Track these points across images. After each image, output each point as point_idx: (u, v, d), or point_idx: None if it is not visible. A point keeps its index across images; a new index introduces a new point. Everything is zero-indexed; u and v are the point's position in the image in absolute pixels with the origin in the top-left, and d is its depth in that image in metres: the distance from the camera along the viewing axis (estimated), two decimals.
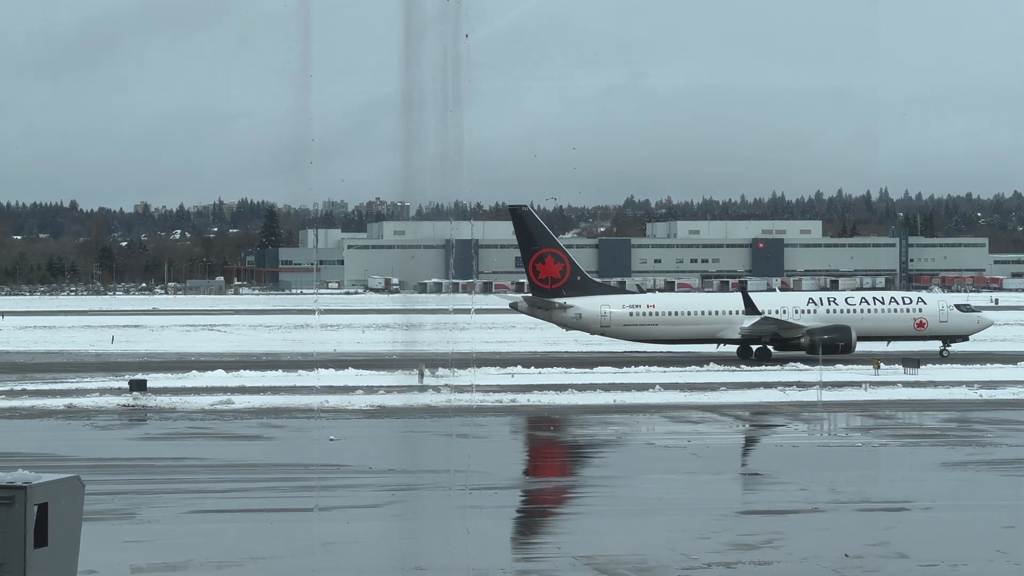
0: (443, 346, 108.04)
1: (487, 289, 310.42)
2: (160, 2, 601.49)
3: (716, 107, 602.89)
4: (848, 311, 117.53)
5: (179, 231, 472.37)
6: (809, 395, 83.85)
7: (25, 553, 27.75)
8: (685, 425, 71.34)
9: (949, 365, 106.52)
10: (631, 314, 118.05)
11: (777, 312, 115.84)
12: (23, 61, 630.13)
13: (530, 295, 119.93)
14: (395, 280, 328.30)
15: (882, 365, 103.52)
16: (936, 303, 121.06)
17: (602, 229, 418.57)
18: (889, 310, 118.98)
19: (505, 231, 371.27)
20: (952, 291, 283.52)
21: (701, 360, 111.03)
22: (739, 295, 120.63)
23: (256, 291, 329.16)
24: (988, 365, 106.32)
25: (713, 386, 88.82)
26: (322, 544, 41.84)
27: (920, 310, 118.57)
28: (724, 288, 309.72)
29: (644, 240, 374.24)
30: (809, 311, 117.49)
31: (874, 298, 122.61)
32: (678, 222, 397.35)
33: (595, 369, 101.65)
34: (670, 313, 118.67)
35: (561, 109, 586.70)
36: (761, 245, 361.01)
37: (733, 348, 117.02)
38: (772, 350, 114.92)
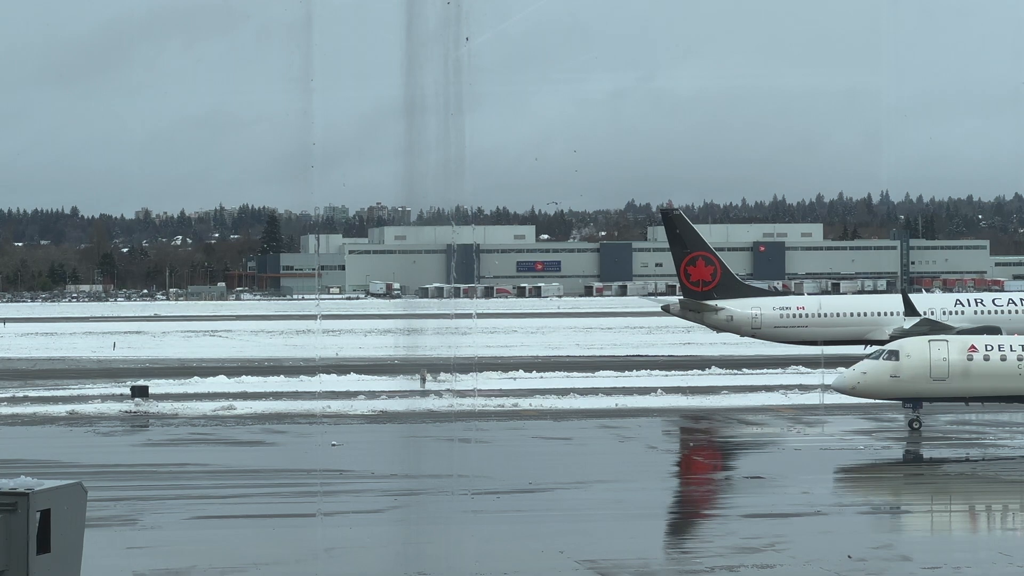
0: (445, 351, 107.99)
1: (488, 294, 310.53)
2: (165, 10, 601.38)
3: (718, 110, 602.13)
4: (996, 312, 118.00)
5: (180, 237, 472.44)
6: (811, 398, 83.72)
7: (28, 559, 27.74)
8: (687, 429, 71.40)
9: None
10: (781, 316, 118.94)
11: (925, 313, 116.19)
12: (25, 69, 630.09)
13: (683, 298, 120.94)
14: (396, 285, 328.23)
15: None
16: None
17: (603, 233, 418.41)
18: None
19: (506, 236, 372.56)
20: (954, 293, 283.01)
21: (703, 364, 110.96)
22: (886, 297, 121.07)
23: (257, 297, 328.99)
24: None
25: (715, 389, 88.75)
26: (325, 549, 41.85)
27: None
28: None
29: (645, 244, 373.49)
30: (957, 312, 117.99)
31: (1021, 299, 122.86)
32: None
33: (597, 373, 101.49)
34: (819, 315, 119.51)
35: (568, 113, 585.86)
36: (762, 248, 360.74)
37: None
38: None
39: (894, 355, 66.31)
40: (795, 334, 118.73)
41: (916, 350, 66.53)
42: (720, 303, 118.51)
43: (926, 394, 66.29)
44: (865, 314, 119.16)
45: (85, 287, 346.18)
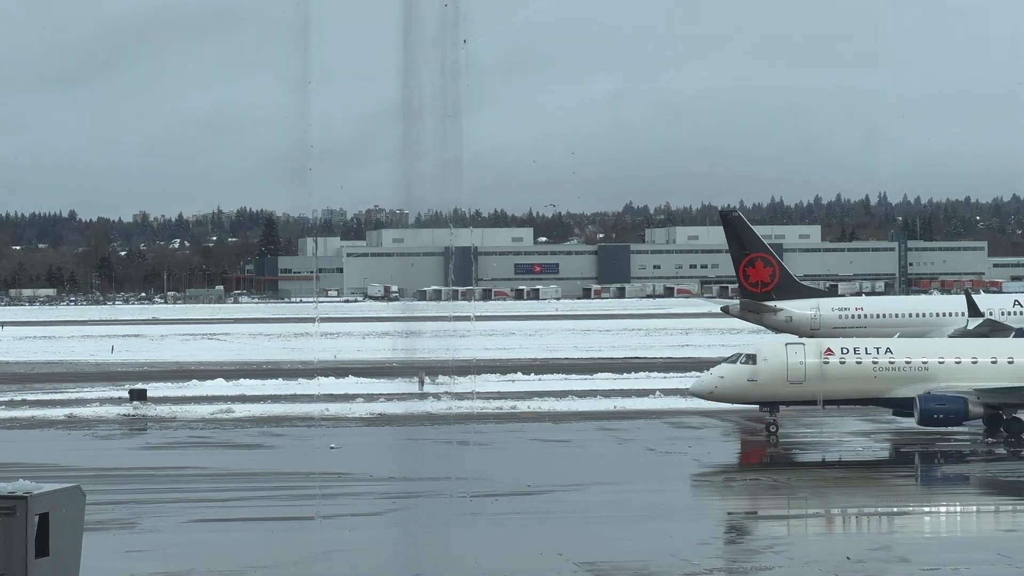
0: (443, 353, 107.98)
1: (486, 296, 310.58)
2: (164, 12, 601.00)
3: (717, 112, 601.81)
4: None
5: (178, 240, 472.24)
6: None
7: (26, 563, 27.75)
8: (685, 431, 71.39)
9: None
10: (840, 316, 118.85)
11: (985, 314, 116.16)
12: (22, 71, 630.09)
13: (743, 299, 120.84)
14: (394, 288, 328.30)
15: None
16: None
17: (601, 235, 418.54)
18: None
19: (504, 238, 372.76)
20: (953, 294, 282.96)
21: (702, 366, 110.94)
22: (943, 297, 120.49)
23: (255, 300, 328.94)
24: None
25: None
26: (323, 552, 41.87)
27: None
28: (724, 294, 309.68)
29: (643, 246, 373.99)
30: (1015, 313, 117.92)
31: None
32: (677, 228, 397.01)
33: (595, 375, 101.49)
34: (878, 315, 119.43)
35: (566, 115, 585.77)
36: None
37: None
38: None
39: (751, 359, 66.44)
40: (854, 335, 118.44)
41: (773, 353, 66.69)
42: (779, 304, 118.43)
43: (783, 397, 66.32)
44: (925, 315, 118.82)
45: (45, 292, 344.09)
